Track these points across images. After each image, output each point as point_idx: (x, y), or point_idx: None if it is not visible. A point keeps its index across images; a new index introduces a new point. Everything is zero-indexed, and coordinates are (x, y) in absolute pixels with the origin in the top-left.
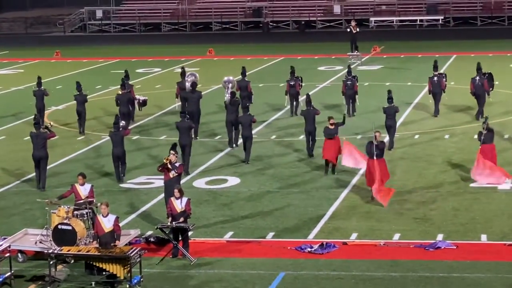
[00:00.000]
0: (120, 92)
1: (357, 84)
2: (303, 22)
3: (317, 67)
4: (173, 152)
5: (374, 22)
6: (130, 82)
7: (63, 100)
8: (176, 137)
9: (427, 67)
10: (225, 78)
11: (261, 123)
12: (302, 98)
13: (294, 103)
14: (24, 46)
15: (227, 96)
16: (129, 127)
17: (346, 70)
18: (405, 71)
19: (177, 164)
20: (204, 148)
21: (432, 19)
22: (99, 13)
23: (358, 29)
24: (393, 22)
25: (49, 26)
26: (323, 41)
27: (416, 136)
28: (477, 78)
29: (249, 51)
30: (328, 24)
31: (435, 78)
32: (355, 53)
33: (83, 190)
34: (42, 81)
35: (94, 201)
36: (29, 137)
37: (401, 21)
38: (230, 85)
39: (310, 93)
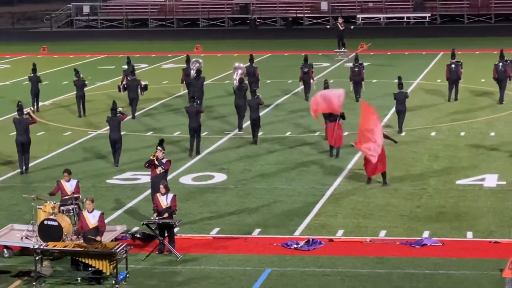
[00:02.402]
0: (129, 78)
1: (364, 71)
2: (290, 19)
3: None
4: (160, 148)
5: (361, 19)
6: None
7: (50, 95)
8: (163, 132)
9: (414, 64)
10: (236, 64)
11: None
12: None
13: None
14: (11, 42)
15: (235, 82)
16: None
17: (354, 57)
18: (392, 68)
19: (164, 161)
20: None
21: (419, 16)
22: (86, 9)
23: (346, 26)
24: (380, 19)
25: (36, 22)
26: (310, 38)
27: (403, 133)
28: (500, 64)
29: (236, 48)
30: (315, 21)
31: (453, 66)
32: (342, 50)
33: (69, 186)
34: (36, 67)
35: (80, 196)
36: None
37: (388, 18)
38: (239, 71)
39: (297, 90)
